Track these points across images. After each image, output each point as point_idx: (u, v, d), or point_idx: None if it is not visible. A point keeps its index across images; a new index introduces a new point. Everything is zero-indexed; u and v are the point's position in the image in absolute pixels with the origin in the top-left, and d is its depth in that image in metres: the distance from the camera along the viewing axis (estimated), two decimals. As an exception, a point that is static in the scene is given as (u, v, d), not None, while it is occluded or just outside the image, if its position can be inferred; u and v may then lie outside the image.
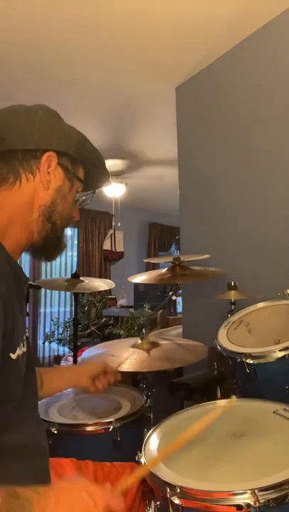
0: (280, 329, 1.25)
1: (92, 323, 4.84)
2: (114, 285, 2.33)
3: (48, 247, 0.85)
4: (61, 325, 5.10)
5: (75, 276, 2.26)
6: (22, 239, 0.80)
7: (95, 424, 1.17)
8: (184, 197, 2.56)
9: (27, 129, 0.77)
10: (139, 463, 0.82)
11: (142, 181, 4.92)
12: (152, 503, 0.77)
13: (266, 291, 1.47)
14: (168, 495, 0.71)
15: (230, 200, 2.20)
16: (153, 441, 0.90)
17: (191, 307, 2.49)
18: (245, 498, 0.66)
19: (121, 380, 1.21)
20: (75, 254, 5.79)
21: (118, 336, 4.24)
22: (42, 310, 5.36)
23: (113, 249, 6.03)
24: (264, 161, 2.02)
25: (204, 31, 2.08)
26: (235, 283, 1.68)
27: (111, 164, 4.23)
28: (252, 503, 0.66)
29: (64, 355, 5.02)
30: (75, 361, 2.62)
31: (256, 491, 0.66)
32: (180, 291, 2.82)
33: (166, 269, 1.77)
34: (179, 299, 4.31)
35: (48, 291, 5.29)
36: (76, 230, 5.75)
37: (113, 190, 4.79)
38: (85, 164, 0.87)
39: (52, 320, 5.19)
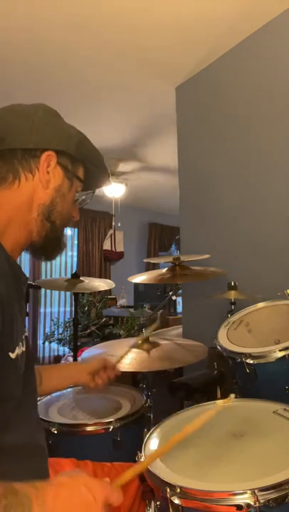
0: (280, 329, 1.25)
1: (92, 323, 4.84)
2: (114, 285, 2.33)
3: (47, 246, 0.85)
4: (61, 325, 5.10)
5: (75, 276, 2.26)
6: (21, 238, 0.80)
7: (95, 424, 1.16)
8: (183, 197, 2.56)
9: (26, 129, 0.77)
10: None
11: (142, 181, 4.93)
12: (152, 503, 0.77)
13: (266, 291, 1.47)
14: (168, 495, 0.71)
15: (230, 200, 2.20)
16: (153, 441, 0.90)
17: (191, 307, 2.49)
18: (245, 498, 0.66)
19: (121, 380, 1.21)
20: (75, 254, 5.79)
21: (118, 336, 4.24)
22: (42, 310, 5.36)
23: (113, 249, 6.03)
24: (264, 161, 2.02)
25: (204, 31, 2.08)
26: (235, 283, 1.68)
27: (110, 164, 4.24)
28: (252, 503, 0.65)
29: (64, 355, 5.02)
30: (75, 361, 2.62)
31: (256, 491, 0.66)
32: (180, 291, 2.82)
33: (166, 269, 1.77)
34: (179, 299, 4.31)
35: (48, 291, 5.30)
36: (76, 230, 5.75)
37: (113, 190, 4.79)
38: (84, 163, 0.87)
39: (52, 320, 5.19)
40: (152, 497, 0.78)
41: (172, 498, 0.71)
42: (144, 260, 3.99)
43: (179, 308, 4.39)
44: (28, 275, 0.88)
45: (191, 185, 2.51)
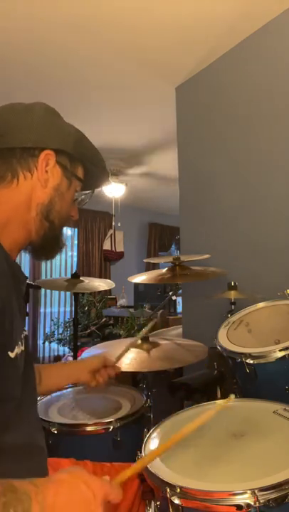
0: (280, 329, 1.24)
1: (92, 323, 4.84)
2: (114, 285, 2.33)
3: (46, 245, 0.85)
4: (61, 325, 5.10)
5: (75, 276, 2.26)
6: (20, 237, 0.79)
7: (94, 424, 1.16)
8: (183, 197, 2.56)
9: (25, 127, 0.77)
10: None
11: (142, 181, 4.93)
12: (152, 503, 0.77)
13: (266, 291, 1.47)
14: (168, 495, 0.71)
15: (230, 200, 2.20)
16: (153, 441, 0.90)
17: (191, 307, 2.49)
18: (245, 498, 0.66)
19: (121, 380, 1.21)
20: (75, 254, 5.79)
21: (118, 336, 4.24)
22: (42, 310, 5.36)
23: (113, 249, 6.03)
24: (264, 161, 2.02)
25: (204, 31, 2.08)
26: (235, 283, 1.68)
27: (110, 164, 4.24)
28: (252, 503, 0.65)
29: (64, 355, 5.03)
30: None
31: (256, 491, 0.66)
32: (180, 291, 2.82)
33: (166, 269, 1.77)
34: (179, 299, 4.31)
35: (48, 291, 5.30)
36: (76, 229, 5.75)
37: (113, 190, 4.79)
38: (84, 163, 0.87)
39: (52, 320, 5.19)
40: (152, 497, 0.78)
41: (172, 498, 0.70)
42: (144, 260, 3.99)
43: (179, 308, 4.39)
44: (28, 275, 0.88)
45: (191, 185, 2.51)
